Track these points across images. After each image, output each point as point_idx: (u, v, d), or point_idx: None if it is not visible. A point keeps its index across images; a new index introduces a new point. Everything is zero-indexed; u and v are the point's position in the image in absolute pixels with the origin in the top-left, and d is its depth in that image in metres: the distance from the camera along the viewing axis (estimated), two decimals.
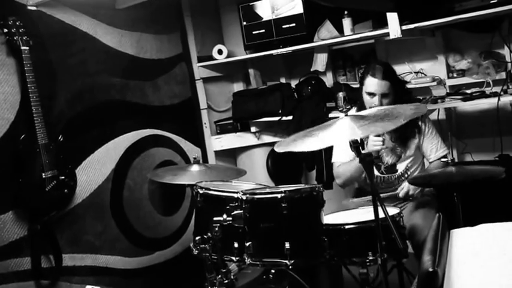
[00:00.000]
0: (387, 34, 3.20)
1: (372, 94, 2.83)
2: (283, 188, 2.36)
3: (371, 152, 2.56)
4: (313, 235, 2.29)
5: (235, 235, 2.29)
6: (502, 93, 3.06)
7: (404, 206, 2.91)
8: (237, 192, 2.34)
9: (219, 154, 4.28)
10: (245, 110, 4.11)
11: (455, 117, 3.59)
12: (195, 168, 3.08)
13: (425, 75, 3.57)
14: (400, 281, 2.47)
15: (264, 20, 3.87)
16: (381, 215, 2.01)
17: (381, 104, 2.78)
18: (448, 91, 3.40)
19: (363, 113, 2.24)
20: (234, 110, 4.21)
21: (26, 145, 2.89)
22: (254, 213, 2.28)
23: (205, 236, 2.33)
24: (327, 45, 3.72)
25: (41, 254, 3.01)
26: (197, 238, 2.37)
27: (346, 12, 3.50)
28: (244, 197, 2.29)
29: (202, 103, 4.19)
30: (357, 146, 2.02)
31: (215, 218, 2.27)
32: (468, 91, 3.27)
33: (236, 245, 2.30)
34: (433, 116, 3.48)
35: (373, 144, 2.72)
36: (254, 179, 3.35)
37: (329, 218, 2.48)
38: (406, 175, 2.96)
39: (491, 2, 2.83)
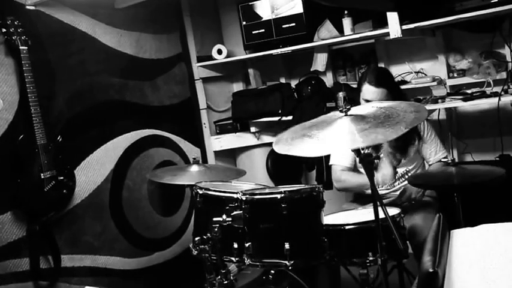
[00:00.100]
0: (387, 34, 3.20)
1: (369, 101, 2.81)
2: (283, 188, 2.34)
3: (371, 153, 2.55)
4: (313, 236, 2.28)
5: (235, 236, 2.28)
6: (502, 93, 3.06)
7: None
8: (236, 193, 2.32)
9: (219, 154, 4.27)
10: (245, 110, 4.10)
11: (455, 117, 3.59)
12: (194, 168, 3.08)
13: (425, 75, 3.57)
14: (400, 282, 2.47)
15: (263, 19, 3.86)
16: (381, 215, 1.99)
17: None
18: (448, 91, 3.39)
19: (362, 112, 2.22)
20: (233, 110, 4.20)
21: (25, 145, 2.88)
22: (254, 214, 2.27)
23: (204, 237, 2.32)
24: (327, 45, 3.71)
25: (39, 254, 3.00)
26: (197, 239, 2.36)
27: (346, 12, 3.50)
28: (243, 198, 2.28)
29: (202, 103, 4.18)
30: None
31: (215, 219, 2.26)
32: (469, 91, 3.27)
33: (236, 245, 2.29)
34: (434, 116, 3.47)
35: (382, 180, 2.75)
36: (254, 179, 3.34)
37: (329, 219, 2.46)
38: (406, 176, 2.95)
39: (492, 1, 2.83)
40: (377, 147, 2.86)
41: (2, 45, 2.88)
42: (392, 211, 2.44)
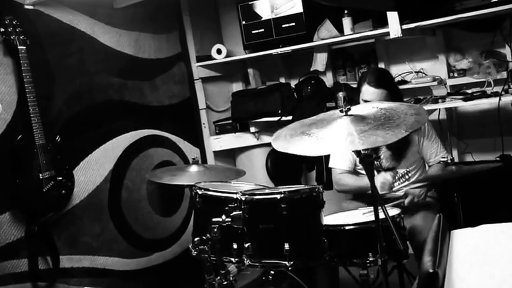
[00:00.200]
0: (387, 33, 3.19)
1: (368, 102, 2.80)
2: (283, 188, 2.34)
3: (371, 153, 2.54)
4: (313, 236, 2.28)
5: (234, 236, 2.27)
6: (503, 93, 3.05)
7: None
8: (236, 193, 2.32)
9: (218, 154, 4.26)
10: (244, 110, 4.10)
11: (456, 117, 3.58)
12: (193, 168, 3.08)
13: (425, 74, 3.56)
14: (400, 282, 2.47)
15: (263, 19, 3.85)
16: (381, 215, 1.99)
17: None
18: (448, 91, 3.39)
19: (362, 112, 2.21)
20: (233, 110, 4.19)
21: (23, 146, 2.87)
22: (253, 214, 2.26)
23: (204, 237, 2.32)
24: (326, 45, 3.71)
25: (38, 255, 2.99)
26: (196, 239, 2.36)
27: (346, 12, 3.49)
28: (243, 198, 2.28)
29: (201, 103, 4.18)
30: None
31: (214, 219, 2.26)
32: (469, 91, 3.26)
33: (235, 246, 2.28)
34: (434, 116, 3.46)
35: (381, 186, 2.71)
36: (253, 179, 3.35)
37: (329, 219, 2.46)
38: (406, 177, 2.94)
39: (492, 1, 2.82)
40: (376, 148, 2.85)
41: (0, 44, 2.87)
42: (392, 211, 2.43)
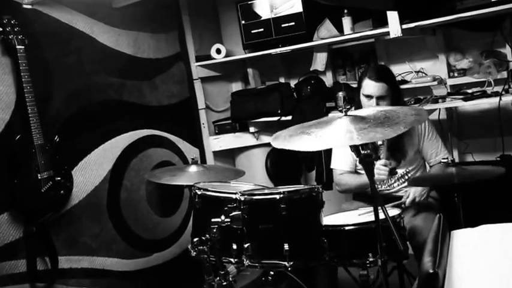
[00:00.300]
0: (387, 33, 3.19)
1: (369, 96, 2.82)
2: (282, 188, 2.33)
3: (371, 153, 2.54)
4: (313, 236, 2.27)
5: (234, 236, 2.27)
6: (503, 92, 3.04)
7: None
8: (235, 193, 2.31)
9: (218, 154, 4.25)
10: (244, 110, 4.09)
11: (456, 117, 3.57)
12: (193, 168, 3.07)
13: (425, 74, 3.55)
14: (400, 283, 2.46)
15: (262, 18, 3.85)
16: (381, 216, 1.98)
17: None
18: (449, 91, 3.38)
19: (362, 112, 2.21)
20: (232, 110, 4.19)
21: (22, 146, 2.86)
22: (253, 215, 2.25)
23: (203, 238, 2.32)
24: (326, 45, 3.70)
25: (36, 256, 2.98)
26: (195, 240, 2.36)
27: (346, 11, 3.48)
28: (242, 198, 2.27)
29: (201, 103, 4.17)
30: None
31: (213, 219, 2.25)
32: (469, 91, 3.26)
33: (234, 246, 2.28)
34: (434, 116, 3.46)
35: (378, 173, 2.69)
36: (253, 179, 3.34)
37: (329, 219, 2.45)
38: (406, 177, 2.93)
39: (492, 0, 2.81)
40: (376, 149, 2.85)
41: None
42: (393, 212, 2.43)
